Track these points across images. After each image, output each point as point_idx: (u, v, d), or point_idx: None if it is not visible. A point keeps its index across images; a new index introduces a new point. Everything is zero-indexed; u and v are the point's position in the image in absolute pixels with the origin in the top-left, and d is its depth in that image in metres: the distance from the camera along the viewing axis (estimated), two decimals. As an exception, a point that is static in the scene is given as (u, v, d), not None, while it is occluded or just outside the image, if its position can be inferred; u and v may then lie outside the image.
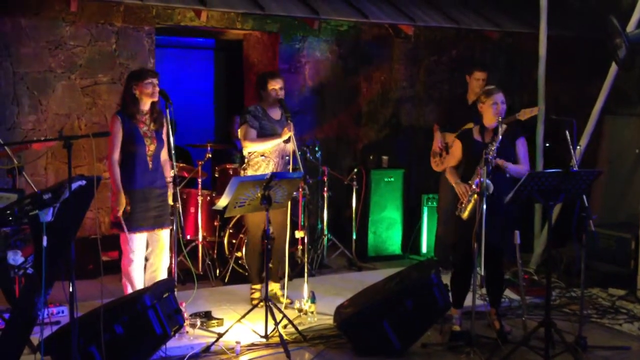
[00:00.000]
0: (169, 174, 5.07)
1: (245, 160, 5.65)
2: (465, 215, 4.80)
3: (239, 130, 5.62)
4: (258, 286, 5.63)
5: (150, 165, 5.01)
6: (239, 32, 7.85)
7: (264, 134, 5.49)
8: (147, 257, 5.20)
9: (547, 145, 7.06)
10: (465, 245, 4.85)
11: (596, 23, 6.63)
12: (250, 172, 5.52)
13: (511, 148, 4.96)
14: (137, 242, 5.01)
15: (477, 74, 6.49)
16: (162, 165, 5.12)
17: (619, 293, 6.11)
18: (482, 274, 4.94)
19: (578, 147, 5.89)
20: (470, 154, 4.95)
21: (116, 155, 4.93)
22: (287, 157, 5.51)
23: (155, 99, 4.97)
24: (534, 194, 4.53)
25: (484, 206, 4.55)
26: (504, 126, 4.75)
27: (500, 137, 4.72)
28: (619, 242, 6.61)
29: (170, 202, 5.05)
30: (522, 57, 8.49)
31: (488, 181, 4.62)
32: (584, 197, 4.85)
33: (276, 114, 5.56)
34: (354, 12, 7.14)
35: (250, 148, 5.51)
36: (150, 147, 5.00)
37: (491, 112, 4.85)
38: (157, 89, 4.94)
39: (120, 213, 4.89)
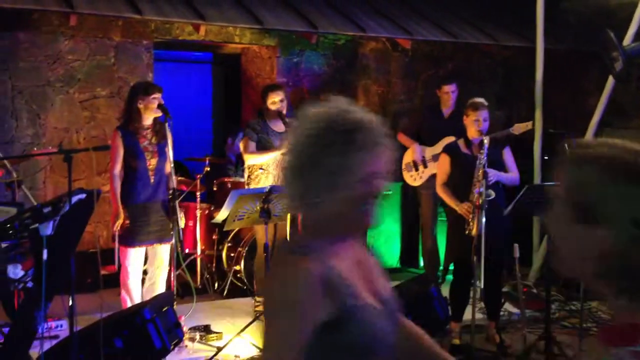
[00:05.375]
0: (173, 186, 5.06)
1: (247, 174, 5.67)
2: (475, 232, 4.74)
3: (240, 143, 5.68)
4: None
5: (152, 180, 5.01)
6: (237, 46, 7.88)
7: (261, 147, 5.52)
8: (146, 271, 5.19)
9: (545, 158, 7.08)
10: (465, 258, 4.85)
11: (593, 36, 6.67)
12: (252, 186, 5.54)
13: (500, 157, 5.04)
14: (135, 256, 5.00)
15: (445, 87, 6.57)
16: (166, 179, 5.12)
17: (618, 306, 6.09)
18: (482, 286, 4.95)
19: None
20: (461, 168, 4.97)
21: (117, 169, 4.94)
22: (285, 170, 5.52)
23: (158, 114, 4.99)
24: (533, 207, 4.55)
25: (484, 219, 4.55)
26: (487, 138, 4.85)
27: (486, 149, 4.75)
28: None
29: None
30: (519, 70, 8.53)
31: (489, 190, 4.65)
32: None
33: (279, 126, 5.58)
34: (352, 26, 7.18)
35: (250, 160, 5.55)
36: (152, 162, 5.01)
37: (473, 128, 4.93)
38: (160, 103, 4.97)
39: (116, 227, 4.89)
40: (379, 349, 1.68)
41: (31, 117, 6.52)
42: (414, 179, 6.68)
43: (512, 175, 5.02)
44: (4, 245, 3.44)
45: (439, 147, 6.38)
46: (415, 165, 6.62)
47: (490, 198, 4.64)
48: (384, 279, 1.83)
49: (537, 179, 6.87)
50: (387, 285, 1.82)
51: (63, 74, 6.61)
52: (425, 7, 8.06)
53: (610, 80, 6.45)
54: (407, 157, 6.70)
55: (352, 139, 1.66)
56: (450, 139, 6.05)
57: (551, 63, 7.38)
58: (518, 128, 5.69)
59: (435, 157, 6.41)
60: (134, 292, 5.04)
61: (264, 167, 5.52)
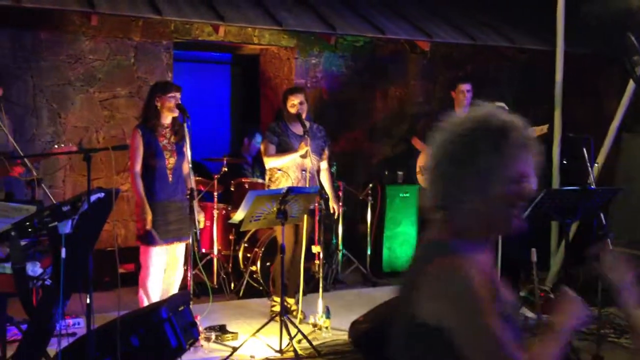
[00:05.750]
0: (192, 186, 5.08)
1: (267, 176, 5.69)
2: None
3: (260, 146, 5.71)
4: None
5: (170, 179, 5.04)
6: (255, 47, 7.90)
7: (281, 150, 5.53)
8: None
9: (564, 162, 7.02)
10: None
11: (613, 40, 6.61)
12: (273, 188, 5.55)
13: None
14: (157, 256, 5.03)
15: (462, 86, 6.54)
16: (184, 178, 5.14)
17: (636, 312, 6.03)
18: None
19: (596, 164, 5.86)
20: None
21: (138, 167, 4.96)
22: (304, 171, 5.53)
23: (175, 113, 5.01)
24: (551, 212, 4.51)
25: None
26: None
27: None
28: (637, 261, 6.53)
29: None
30: (538, 74, 8.48)
31: None
32: (602, 215, 4.82)
33: (298, 129, 5.58)
34: (371, 27, 7.17)
35: (270, 163, 5.56)
36: (170, 160, 5.03)
37: None
38: (178, 102, 4.98)
39: (149, 225, 4.90)
40: None
41: (52, 115, 6.58)
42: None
43: None
44: (23, 243, 3.47)
45: None
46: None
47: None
48: (505, 284, 1.82)
49: (555, 184, 6.82)
50: (509, 290, 1.81)
51: (83, 73, 6.67)
52: (445, 9, 8.04)
53: (631, 85, 6.39)
54: (421, 161, 6.68)
55: (504, 138, 1.66)
56: None
57: (571, 66, 7.33)
58: (533, 131, 5.65)
59: None
60: (152, 292, 5.06)
61: (283, 169, 5.53)
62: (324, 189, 5.71)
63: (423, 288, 1.67)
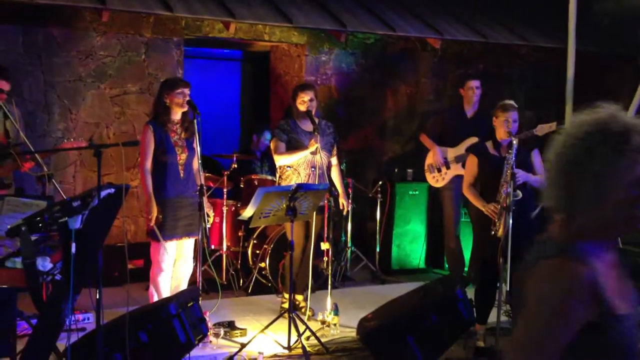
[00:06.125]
0: (201, 182, 5.10)
1: (278, 174, 5.70)
2: (500, 233, 4.73)
3: (270, 144, 5.71)
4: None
5: (182, 174, 5.06)
6: (266, 43, 7.91)
7: (291, 147, 5.53)
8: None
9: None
10: (490, 260, 4.82)
11: (625, 38, 6.58)
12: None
13: (529, 159, 4.99)
14: (168, 251, 5.04)
15: (470, 82, 6.51)
16: (194, 174, 5.16)
17: (646, 312, 6.01)
18: (508, 289, 4.91)
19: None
20: (488, 169, 4.94)
21: (148, 164, 4.98)
22: (314, 168, 5.52)
23: (185, 109, 5.03)
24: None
25: (510, 220, 4.52)
26: (517, 139, 4.83)
27: (515, 150, 4.74)
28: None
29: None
30: (550, 72, 8.44)
31: (516, 191, 4.64)
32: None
33: (308, 126, 5.58)
34: (381, 25, 7.16)
35: (280, 161, 5.57)
36: (182, 156, 5.05)
37: (503, 128, 4.90)
38: (187, 99, 5.00)
39: (152, 222, 4.93)
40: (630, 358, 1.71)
41: (63, 111, 6.61)
42: (436, 180, 6.63)
43: (540, 177, 4.98)
44: (33, 237, 3.49)
45: (461, 147, 6.33)
46: (438, 168, 6.56)
47: (517, 198, 4.61)
48: (629, 283, 1.83)
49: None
50: (632, 290, 1.82)
51: (94, 69, 6.70)
52: (456, 7, 8.01)
53: (643, 83, 6.35)
54: (429, 159, 6.65)
55: (625, 142, 1.67)
56: (473, 140, 6.01)
57: (582, 64, 7.28)
58: (542, 129, 5.63)
59: (458, 158, 6.36)
60: (163, 288, 5.08)
61: (294, 167, 5.53)
62: (334, 186, 5.71)
63: (531, 282, 1.72)
